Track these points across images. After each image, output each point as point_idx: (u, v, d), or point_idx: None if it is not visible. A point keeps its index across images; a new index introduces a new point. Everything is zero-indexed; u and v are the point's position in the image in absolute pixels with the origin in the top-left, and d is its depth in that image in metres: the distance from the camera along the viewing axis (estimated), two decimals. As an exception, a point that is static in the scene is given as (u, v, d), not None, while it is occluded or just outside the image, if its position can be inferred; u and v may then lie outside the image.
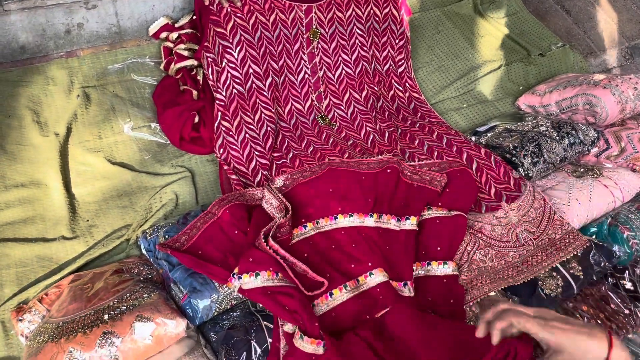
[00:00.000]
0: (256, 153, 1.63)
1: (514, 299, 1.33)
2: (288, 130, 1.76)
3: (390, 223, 1.41)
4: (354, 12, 1.86)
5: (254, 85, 1.69)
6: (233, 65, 1.65)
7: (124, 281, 1.21)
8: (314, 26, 1.81)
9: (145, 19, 1.87)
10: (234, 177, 1.55)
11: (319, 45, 1.83)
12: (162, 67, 1.82)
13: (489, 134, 1.77)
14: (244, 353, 1.14)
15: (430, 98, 1.97)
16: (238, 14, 1.65)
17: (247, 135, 1.64)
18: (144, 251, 1.36)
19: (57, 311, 1.14)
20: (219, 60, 1.64)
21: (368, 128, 1.81)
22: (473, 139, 1.78)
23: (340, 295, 1.28)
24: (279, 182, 1.50)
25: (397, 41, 1.96)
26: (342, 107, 1.87)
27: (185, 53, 1.77)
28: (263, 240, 1.25)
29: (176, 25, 1.86)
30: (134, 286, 1.19)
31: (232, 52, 1.64)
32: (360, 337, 1.17)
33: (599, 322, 1.35)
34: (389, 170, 1.49)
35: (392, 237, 1.39)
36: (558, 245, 1.39)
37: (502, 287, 1.32)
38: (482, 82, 2.04)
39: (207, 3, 1.64)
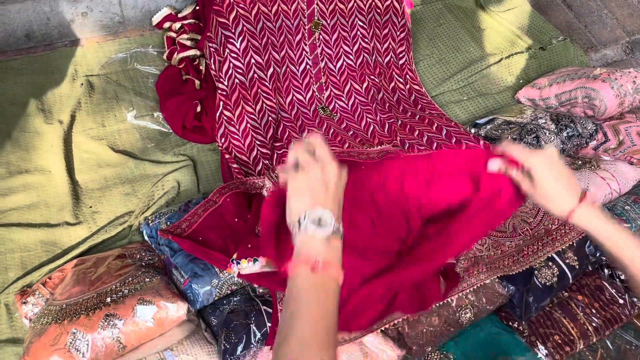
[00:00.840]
0: (257, 142, 1.65)
1: (510, 288, 1.35)
2: (289, 121, 1.77)
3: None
4: (355, 4, 1.87)
5: (255, 75, 1.71)
6: (235, 56, 1.66)
7: (126, 266, 1.22)
8: (315, 17, 1.82)
9: (149, 8, 1.88)
10: (235, 165, 1.57)
11: (321, 37, 1.84)
12: (165, 56, 1.84)
13: (488, 126, 1.78)
14: (244, 337, 1.16)
15: (430, 90, 1.98)
16: (240, 5, 1.66)
17: (248, 125, 1.66)
18: (146, 237, 1.37)
19: (60, 294, 1.16)
20: (222, 50, 1.65)
21: (368, 119, 1.83)
22: (472, 130, 1.79)
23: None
24: (280, 171, 1.51)
25: (398, 33, 1.97)
26: (343, 98, 1.88)
27: (188, 43, 1.78)
28: (262, 228, 1.27)
29: (179, 15, 1.87)
30: (136, 271, 1.20)
31: (235, 42, 1.66)
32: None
33: (594, 311, 1.37)
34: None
35: None
36: (554, 235, 1.40)
37: (498, 275, 1.33)
38: (482, 75, 2.05)
39: (209, -7, 1.65)
